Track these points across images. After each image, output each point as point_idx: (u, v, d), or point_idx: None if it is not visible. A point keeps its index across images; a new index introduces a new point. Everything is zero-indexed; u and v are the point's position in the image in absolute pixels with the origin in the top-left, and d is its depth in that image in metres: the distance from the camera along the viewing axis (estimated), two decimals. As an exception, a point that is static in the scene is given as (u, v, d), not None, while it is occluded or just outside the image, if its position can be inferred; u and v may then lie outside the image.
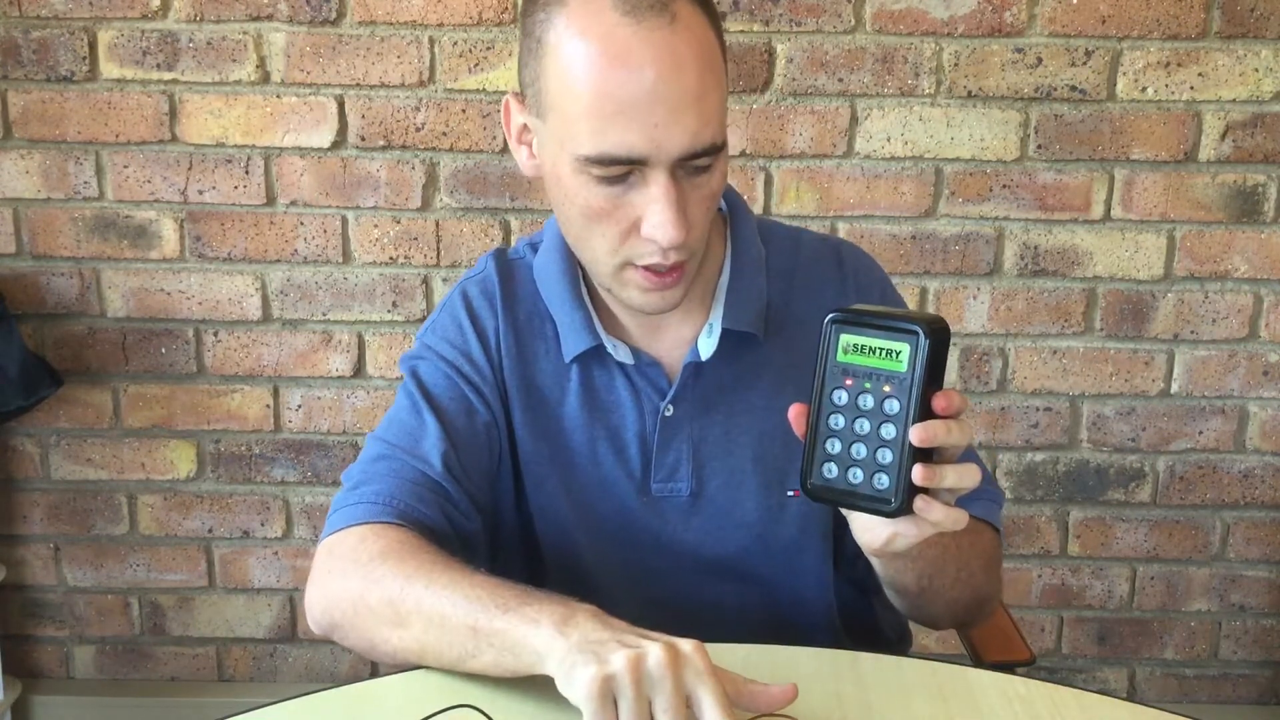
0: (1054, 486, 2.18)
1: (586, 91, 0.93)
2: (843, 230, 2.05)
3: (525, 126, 1.02)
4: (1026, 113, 2.01)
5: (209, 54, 1.99)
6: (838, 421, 0.86)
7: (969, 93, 2.00)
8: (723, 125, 0.97)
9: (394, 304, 2.09)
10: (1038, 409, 2.13)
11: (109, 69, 2.00)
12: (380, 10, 1.97)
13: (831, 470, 0.87)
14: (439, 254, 2.07)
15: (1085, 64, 1.98)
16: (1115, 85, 1.99)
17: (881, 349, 0.84)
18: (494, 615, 0.88)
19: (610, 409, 1.11)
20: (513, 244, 2.03)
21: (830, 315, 0.86)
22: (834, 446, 0.86)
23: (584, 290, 1.11)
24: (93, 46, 1.99)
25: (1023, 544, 2.20)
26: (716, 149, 0.96)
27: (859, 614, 1.20)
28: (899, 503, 0.85)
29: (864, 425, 0.85)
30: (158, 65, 2.00)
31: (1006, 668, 1.12)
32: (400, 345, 2.11)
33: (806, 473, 0.88)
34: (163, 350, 2.12)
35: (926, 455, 0.85)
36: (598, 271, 1.03)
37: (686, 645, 0.81)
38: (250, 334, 2.12)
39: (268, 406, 2.15)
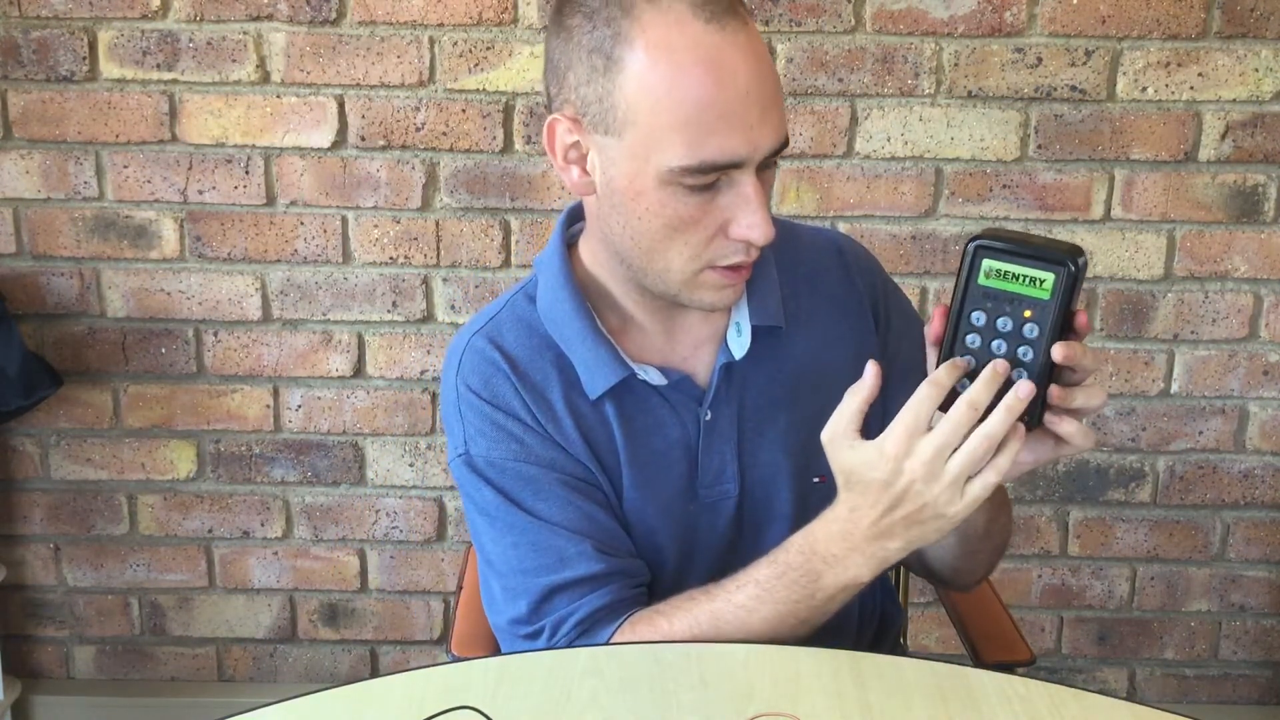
0: (1054, 486, 2.18)
1: (682, 102, 0.93)
2: (842, 230, 2.04)
3: (574, 145, 1.00)
4: (1026, 113, 2.00)
5: (209, 54, 1.99)
6: (974, 341, 0.90)
7: (969, 93, 2.00)
8: None
9: (394, 304, 2.09)
10: (1038, 409, 2.13)
11: (109, 69, 2.00)
12: (380, 10, 1.97)
13: (965, 386, 0.91)
14: (439, 254, 2.07)
15: (1085, 64, 1.98)
16: (1115, 85, 1.99)
17: (1026, 276, 0.88)
18: (807, 596, 0.97)
19: (650, 431, 1.10)
20: (512, 246, 2.06)
21: (973, 240, 0.89)
22: (969, 364, 0.91)
23: (599, 324, 1.09)
24: (93, 46, 1.99)
25: (1023, 544, 2.20)
26: (787, 142, 0.99)
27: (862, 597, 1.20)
28: (1035, 419, 0.90)
29: (1001, 346, 0.89)
30: (158, 65, 2.00)
31: (1006, 668, 1.12)
32: (400, 345, 2.11)
33: None
34: (163, 350, 2.12)
35: (1054, 378, 0.89)
36: (669, 280, 1.02)
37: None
38: (250, 334, 2.12)
39: (268, 406, 2.15)
